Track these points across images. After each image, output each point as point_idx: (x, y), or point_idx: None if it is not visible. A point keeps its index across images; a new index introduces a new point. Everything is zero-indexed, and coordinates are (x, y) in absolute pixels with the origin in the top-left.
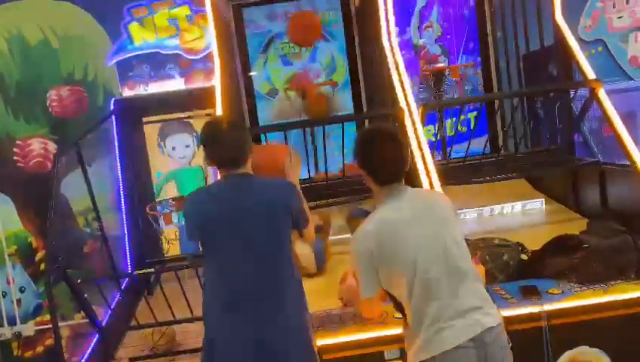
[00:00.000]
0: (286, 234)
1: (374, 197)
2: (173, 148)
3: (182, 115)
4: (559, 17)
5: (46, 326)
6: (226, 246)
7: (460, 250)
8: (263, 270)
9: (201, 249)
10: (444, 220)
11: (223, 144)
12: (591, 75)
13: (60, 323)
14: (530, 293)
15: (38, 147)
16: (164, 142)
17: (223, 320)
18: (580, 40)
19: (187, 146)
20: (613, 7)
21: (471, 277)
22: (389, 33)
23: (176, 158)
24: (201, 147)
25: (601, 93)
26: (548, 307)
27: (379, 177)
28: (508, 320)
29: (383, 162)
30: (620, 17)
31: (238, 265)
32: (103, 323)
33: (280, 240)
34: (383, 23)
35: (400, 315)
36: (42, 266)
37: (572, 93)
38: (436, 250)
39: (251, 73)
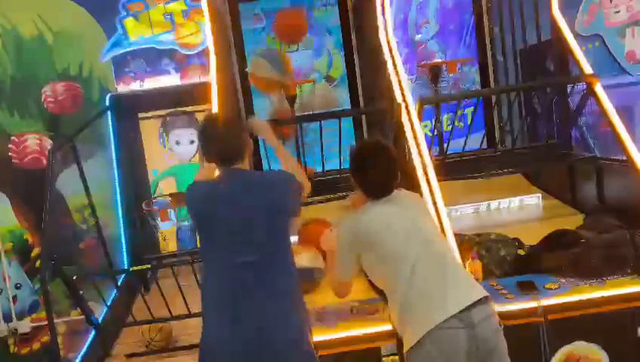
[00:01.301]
0: (284, 230)
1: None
2: (177, 143)
3: (186, 108)
4: (556, 12)
5: (42, 323)
6: (224, 245)
7: (441, 239)
8: (261, 268)
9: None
10: (425, 213)
11: (219, 140)
12: (588, 69)
13: (56, 320)
14: (527, 288)
15: (33, 143)
16: (167, 134)
17: (220, 319)
18: (577, 35)
19: (192, 142)
20: (610, 1)
21: (453, 262)
22: (385, 28)
23: (178, 153)
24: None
25: (598, 88)
26: (545, 302)
27: (370, 193)
28: (505, 316)
29: (375, 180)
30: (618, 12)
31: (235, 263)
32: (99, 320)
33: (279, 237)
34: (379, 18)
35: (377, 296)
36: (38, 263)
37: (569, 88)
38: (420, 238)
39: (247, 69)
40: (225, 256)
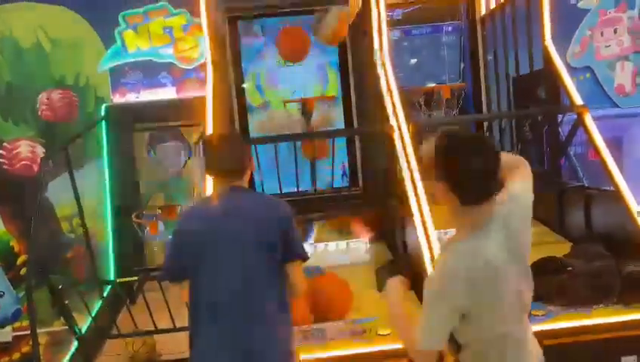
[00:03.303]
0: (275, 256)
1: (453, 219)
2: (164, 157)
3: (174, 123)
4: (549, 42)
5: (24, 333)
6: (214, 267)
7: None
8: (250, 293)
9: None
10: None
11: (223, 156)
12: (578, 100)
13: (39, 330)
14: None
15: (26, 150)
16: (154, 150)
17: (209, 344)
18: (568, 66)
19: (178, 156)
20: (601, 35)
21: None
22: (381, 50)
23: (166, 167)
24: (190, 158)
25: (588, 119)
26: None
27: (473, 196)
28: None
29: (484, 170)
30: (608, 46)
31: (224, 286)
32: (83, 331)
33: (269, 262)
34: (375, 39)
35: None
36: (23, 271)
37: (559, 117)
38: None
39: (244, 85)
40: (214, 279)
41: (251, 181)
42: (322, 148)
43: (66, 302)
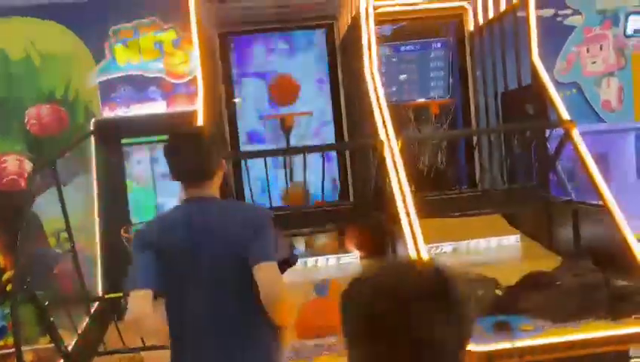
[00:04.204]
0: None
1: None
2: (138, 162)
3: (163, 138)
4: (536, 59)
5: (9, 351)
6: (185, 285)
7: None
8: (227, 309)
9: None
10: None
11: (182, 155)
12: (565, 115)
13: (24, 347)
14: (502, 329)
15: (13, 164)
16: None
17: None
18: (555, 82)
19: (139, 163)
20: (587, 52)
21: None
22: (371, 65)
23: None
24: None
25: (575, 134)
26: (520, 343)
27: None
28: (481, 356)
29: None
30: (594, 62)
31: (198, 304)
32: (69, 348)
33: (244, 276)
34: (365, 55)
35: None
36: (9, 287)
37: (547, 132)
38: None
39: (235, 100)
40: (186, 298)
41: (242, 195)
42: (297, 197)
43: (52, 318)
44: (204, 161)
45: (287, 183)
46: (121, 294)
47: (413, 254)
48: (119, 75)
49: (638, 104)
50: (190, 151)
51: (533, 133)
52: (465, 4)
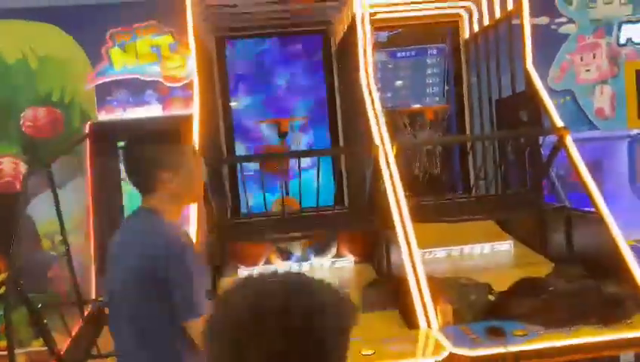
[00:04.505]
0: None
1: None
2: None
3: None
4: (530, 66)
5: (1, 353)
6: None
7: None
8: (135, 344)
9: None
10: None
11: (127, 161)
12: (559, 122)
13: (17, 350)
14: (495, 334)
15: (9, 167)
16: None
17: None
18: (549, 89)
19: None
20: (581, 60)
21: None
22: (366, 71)
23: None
24: None
25: (569, 141)
26: (512, 348)
27: None
28: (474, 361)
29: None
30: (588, 70)
31: (114, 334)
32: (62, 352)
33: (153, 320)
34: (361, 60)
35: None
36: (2, 290)
37: (541, 139)
38: None
39: (232, 103)
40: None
41: (237, 201)
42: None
43: (45, 321)
44: (138, 169)
45: (282, 194)
46: None
47: (406, 259)
48: (116, 78)
49: (631, 111)
50: (127, 157)
51: (527, 140)
52: (461, 11)
